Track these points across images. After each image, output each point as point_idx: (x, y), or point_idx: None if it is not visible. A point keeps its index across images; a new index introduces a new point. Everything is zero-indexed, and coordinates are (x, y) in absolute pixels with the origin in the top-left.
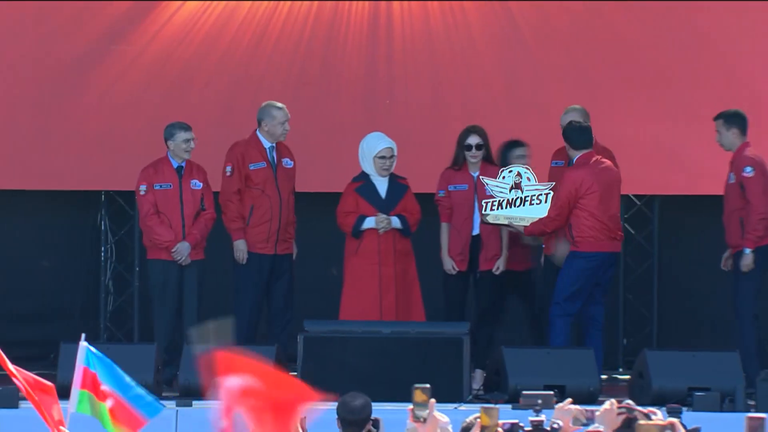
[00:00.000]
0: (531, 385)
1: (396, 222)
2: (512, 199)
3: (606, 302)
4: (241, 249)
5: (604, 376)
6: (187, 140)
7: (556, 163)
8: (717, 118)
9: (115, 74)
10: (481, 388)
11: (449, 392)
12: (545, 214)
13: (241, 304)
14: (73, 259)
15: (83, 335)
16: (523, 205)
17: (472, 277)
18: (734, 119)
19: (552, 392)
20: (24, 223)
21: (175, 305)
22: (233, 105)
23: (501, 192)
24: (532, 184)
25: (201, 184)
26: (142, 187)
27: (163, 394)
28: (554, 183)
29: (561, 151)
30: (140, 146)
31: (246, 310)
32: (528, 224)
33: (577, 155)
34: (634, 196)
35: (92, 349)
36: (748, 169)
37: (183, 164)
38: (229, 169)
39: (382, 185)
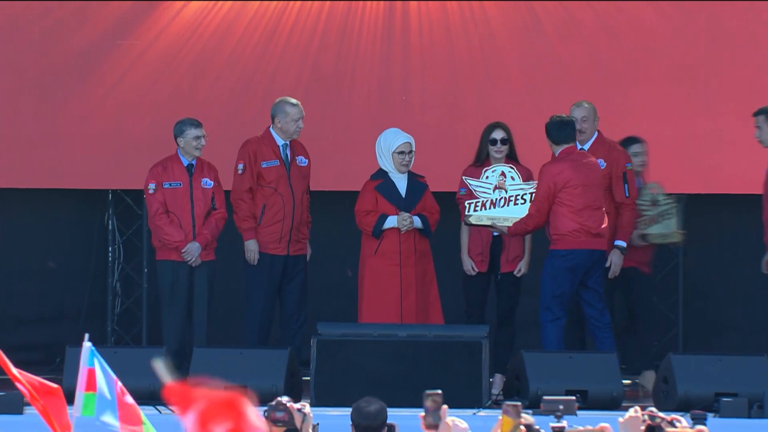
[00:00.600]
0: (552, 390)
1: (417, 221)
2: (496, 199)
3: (611, 304)
4: (252, 249)
5: (627, 381)
6: (198, 137)
7: None
8: (758, 113)
9: (122, 69)
10: (501, 393)
11: (468, 397)
12: None
13: (253, 306)
14: (79, 260)
15: (86, 335)
16: (507, 205)
17: (492, 279)
18: None
19: (574, 397)
20: (28, 222)
21: (184, 308)
22: (244, 101)
23: (484, 192)
24: (516, 184)
25: (212, 183)
26: (151, 186)
27: None
28: (536, 182)
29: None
30: (149, 143)
31: (257, 313)
32: (511, 224)
33: (558, 150)
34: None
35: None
36: None
37: (193, 162)
38: (240, 166)
39: (401, 183)
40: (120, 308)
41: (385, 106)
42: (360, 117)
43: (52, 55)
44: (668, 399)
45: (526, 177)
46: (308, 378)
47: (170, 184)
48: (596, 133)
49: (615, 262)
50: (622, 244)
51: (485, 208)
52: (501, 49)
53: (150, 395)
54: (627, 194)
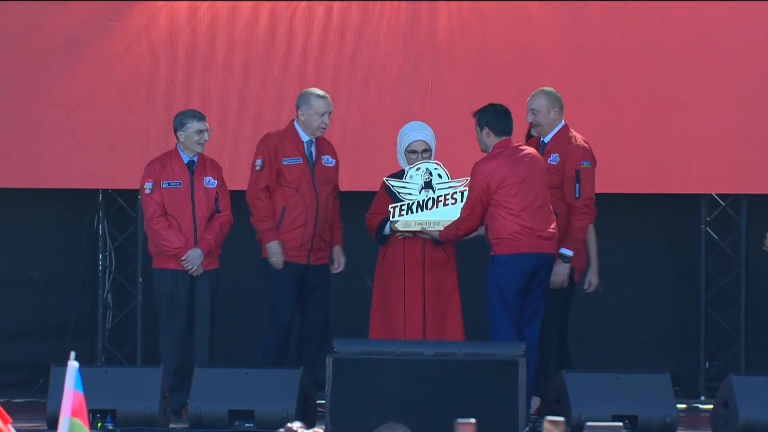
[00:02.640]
0: (597, 415)
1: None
2: (423, 200)
3: (555, 320)
4: (275, 252)
5: (682, 406)
6: (201, 131)
7: None
8: None
9: (114, 54)
10: (537, 417)
11: (503, 422)
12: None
13: (276, 320)
14: (65, 269)
15: (72, 354)
16: (436, 206)
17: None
18: None
19: (621, 423)
20: (9, 227)
21: (184, 322)
22: (252, 91)
23: (409, 194)
24: (444, 182)
25: (215, 182)
26: (148, 185)
27: (171, 426)
28: (468, 179)
29: (532, 142)
30: (144, 138)
31: (281, 327)
32: (443, 228)
33: (492, 144)
34: (718, 195)
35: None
36: None
37: (195, 159)
38: (259, 162)
39: None
40: (112, 323)
41: (409, 98)
42: (380, 109)
43: (35, 38)
44: (728, 426)
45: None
46: (323, 401)
47: (169, 184)
48: (561, 123)
49: (557, 273)
50: (567, 252)
51: (412, 212)
52: (540, 33)
53: (146, 420)
54: (578, 195)
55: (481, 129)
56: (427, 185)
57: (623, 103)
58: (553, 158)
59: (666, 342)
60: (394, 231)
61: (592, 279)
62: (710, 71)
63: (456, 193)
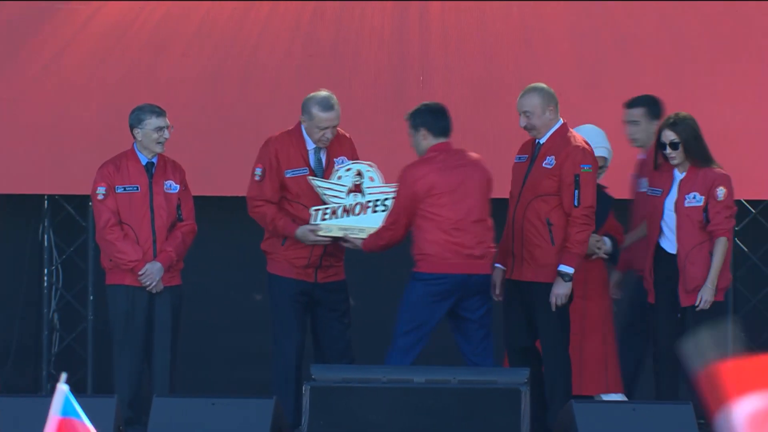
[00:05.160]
0: None
1: (608, 245)
2: (350, 205)
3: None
4: (304, 236)
5: None
6: (160, 128)
7: (519, 159)
8: (634, 105)
9: (62, 41)
10: None
11: None
12: None
13: (282, 345)
14: (6, 286)
15: (64, 375)
16: (365, 212)
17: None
18: None
19: None
20: None
21: (142, 346)
22: (218, 82)
23: (336, 197)
24: (375, 186)
25: (177, 187)
26: (100, 190)
27: None
28: (397, 187)
29: (527, 143)
30: (96, 136)
31: (290, 353)
32: (367, 237)
33: (430, 145)
34: (748, 202)
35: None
36: None
37: (154, 160)
38: (258, 171)
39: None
40: (58, 346)
41: (398, 89)
42: (365, 103)
43: None
44: None
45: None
46: None
47: (124, 189)
48: (559, 122)
49: (556, 293)
50: (568, 270)
51: (337, 216)
52: (546, 15)
53: None
54: (577, 203)
55: (417, 131)
56: (357, 188)
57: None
58: (549, 161)
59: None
60: (311, 234)
61: (705, 295)
62: (741, 59)
63: (388, 199)
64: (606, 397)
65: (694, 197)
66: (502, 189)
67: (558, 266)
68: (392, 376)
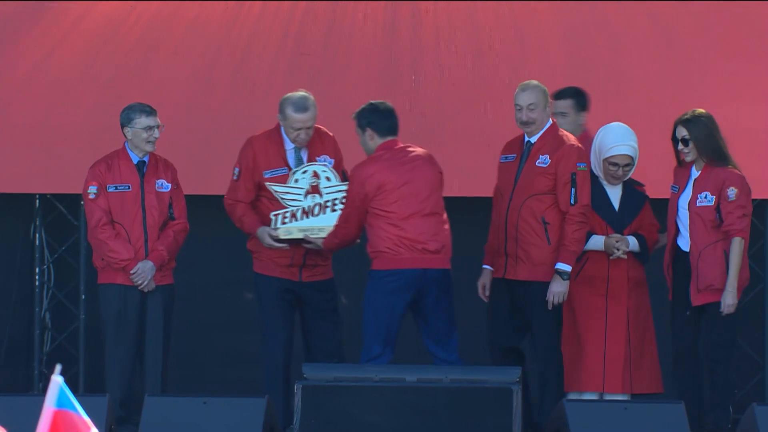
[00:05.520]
0: None
1: (633, 244)
2: (309, 207)
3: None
4: (263, 236)
5: None
6: (150, 128)
7: (507, 158)
8: (562, 96)
9: (53, 40)
10: None
11: None
12: None
13: (270, 346)
14: None
15: (59, 367)
16: (324, 212)
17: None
18: None
19: None
20: None
21: (134, 345)
22: (209, 81)
23: (294, 200)
24: (332, 185)
25: (169, 185)
26: (92, 189)
27: None
28: (348, 186)
29: (513, 142)
30: (88, 135)
31: (277, 354)
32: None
33: (377, 145)
34: None
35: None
36: None
37: (146, 159)
38: (236, 171)
39: (614, 191)
40: (50, 345)
41: (389, 89)
42: (355, 102)
43: None
44: None
45: None
46: None
47: (116, 188)
48: (549, 122)
49: (554, 291)
50: (565, 267)
51: (296, 219)
52: (538, 14)
53: None
54: (574, 201)
55: (363, 131)
56: (315, 189)
57: (634, 96)
58: (543, 160)
59: None
60: (273, 239)
61: (728, 300)
62: (733, 58)
63: (346, 197)
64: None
65: (706, 197)
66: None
67: (555, 264)
68: (384, 375)
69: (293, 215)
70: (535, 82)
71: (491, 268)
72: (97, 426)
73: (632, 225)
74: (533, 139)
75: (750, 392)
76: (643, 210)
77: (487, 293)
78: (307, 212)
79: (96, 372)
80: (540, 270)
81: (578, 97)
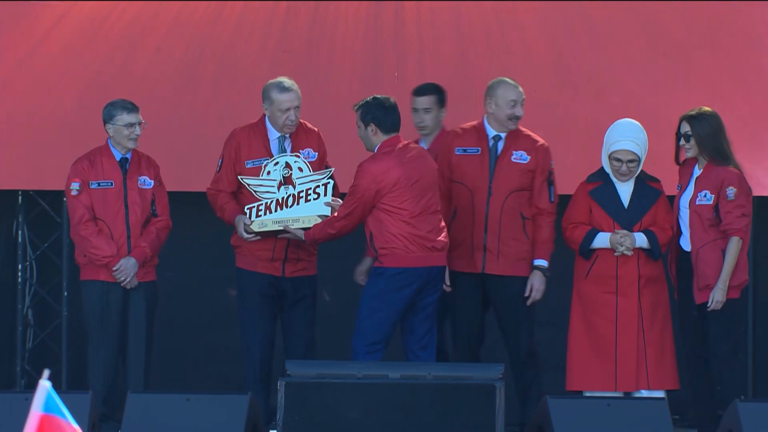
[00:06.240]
0: None
1: (641, 240)
2: (283, 198)
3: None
4: (238, 222)
5: None
6: (131, 124)
7: (470, 150)
8: (422, 93)
9: (36, 36)
10: None
11: None
12: (326, 210)
13: (248, 342)
14: None
15: (46, 372)
16: (298, 203)
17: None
18: None
19: None
20: None
21: (116, 341)
22: (192, 78)
23: (267, 192)
24: (305, 176)
25: (152, 182)
26: (74, 186)
27: None
28: (333, 169)
29: (467, 136)
30: (70, 132)
31: (256, 349)
32: (308, 225)
33: (380, 141)
34: None
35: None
36: None
37: (128, 156)
38: (219, 162)
39: (625, 188)
40: (33, 342)
41: (372, 85)
42: (338, 99)
43: None
44: None
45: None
46: (275, 431)
47: (99, 184)
48: None
49: (536, 287)
50: (544, 263)
51: (271, 211)
52: (521, 14)
53: None
54: (552, 199)
55: (366, 126)
56: (287, 181)
57: (617, 95)
58: (520, 156)
59: None
60: (247, 232)
61: (716, 296)
62: (716, 56)
63: (318, 186)
64: (638, 395)
65: (705, 195)
66: None
67: (535, 261)
68: (367, 372)
69: (267, 207)
70: (507, 78)
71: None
72: (80, 423)
73: (643, 221)
74: (502, 134)
75: (732, 389)
76: (657, 206)
77: (448, 283)
78: (280, 203)
79: (79, 369)
80: (520, 265)
81: (439, 94)
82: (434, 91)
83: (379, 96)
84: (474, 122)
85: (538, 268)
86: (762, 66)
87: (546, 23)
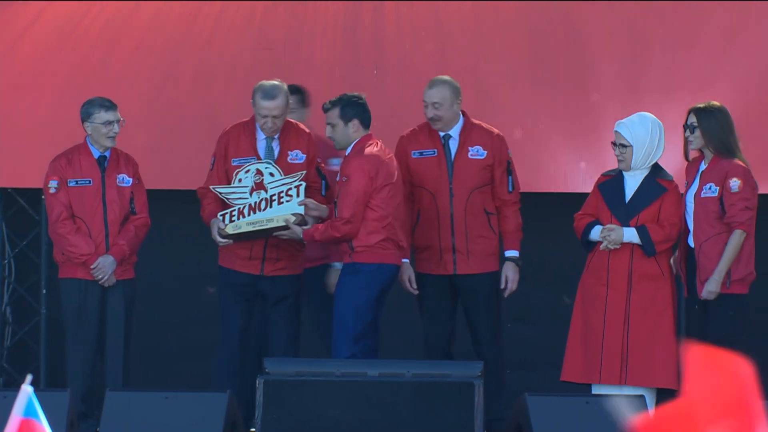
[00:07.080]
0: None
1: (630, 235)
2: (256, 202)
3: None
4: (213, 223)
5: None
6: (110, 122)
7: (425, 153)
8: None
9: (13, 34)
10: None
11: None
12: (300, 209)
13: (224, 337)
14: None
15: (29, 377)
16: (270, 206)
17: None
18: None
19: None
20: None
21: (95, 339)
22: (170, 76)
23: (240, 199)
24: (276, 180)
25: (130, 180)
26: (53, 184)
27: None
28: (304, 172)
29: (417, 138)
30: (48, 130)
31: (226, 345)
32: (281, 224)
33: (359, 137)
34: None
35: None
36: None
37: (107, 154)
38: (212, 161)
39: (632, 182)
40: (11, 340)
41: (351, 83)
42: (318, 97)
43: None
44: None
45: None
46: (253, 429)
47: (77, 182)
48: (461, 116)
49: (511, 278)
50: (515, 254)
51: (244, 216)
52: (500, 12)
53: None
54: (511, 188)
55: (348, 122)
56: (259, 186)
57: (596, 91)
58: (477, 152)
59: None
60: (222, 237)
61: (710, 287)
62: (694, 54)
63: (291, 189)
64: (619, 391)
65: (710, 188)
66: None
67: (507, 252)
68: (346, 370)
69: (240, 212)
70: (443, 78)
71: (408, 261)
72: (59, 421)
73: (640, 217)
74: (453, 133)
75: None
76: (662, 203)
77: (414, 286)
78: (253, 208)
79: (57, 367)
80: (490, 261)
81: (300, 94)
82: (294, 91)
83: (351, 93)
84: (422, 122)
85: (510, 259)
86: (742, 63)
87: (525, 22)
